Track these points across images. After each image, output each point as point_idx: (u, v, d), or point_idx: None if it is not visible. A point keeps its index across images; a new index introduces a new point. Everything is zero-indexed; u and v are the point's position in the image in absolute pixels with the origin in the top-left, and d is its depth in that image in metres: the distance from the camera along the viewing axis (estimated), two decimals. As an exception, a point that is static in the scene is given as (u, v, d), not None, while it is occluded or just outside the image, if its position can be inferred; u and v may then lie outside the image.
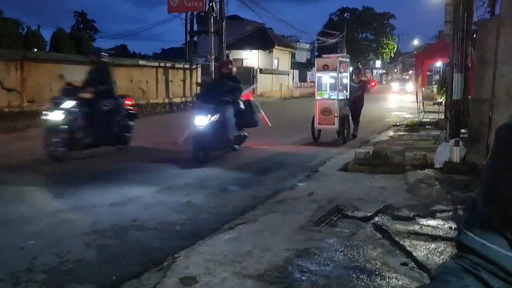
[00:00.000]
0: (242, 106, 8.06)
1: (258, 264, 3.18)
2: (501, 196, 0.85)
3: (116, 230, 4.15)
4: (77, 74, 14.62)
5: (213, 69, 21.47)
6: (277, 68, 36.88)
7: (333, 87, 10.06)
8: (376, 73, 72.20)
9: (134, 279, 3.06)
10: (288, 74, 37.15)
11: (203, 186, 5.88)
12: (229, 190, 5.72)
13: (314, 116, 9.84)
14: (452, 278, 0.85)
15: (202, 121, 7.23)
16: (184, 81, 21.15)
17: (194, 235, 3.95)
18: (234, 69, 8.52)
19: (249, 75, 29.92)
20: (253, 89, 10.08)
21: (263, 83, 30.66)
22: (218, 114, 7.39)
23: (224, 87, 7.85)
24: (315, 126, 9.89)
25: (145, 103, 17.37)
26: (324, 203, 4.72)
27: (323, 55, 11.94)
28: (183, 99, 20.40)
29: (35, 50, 18.93)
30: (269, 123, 8.96)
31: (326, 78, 10.29)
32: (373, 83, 47.05)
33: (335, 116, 9.65)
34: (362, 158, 6.89)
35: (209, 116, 7.26)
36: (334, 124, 9.74)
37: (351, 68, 12.03)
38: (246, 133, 8.53)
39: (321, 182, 5.82)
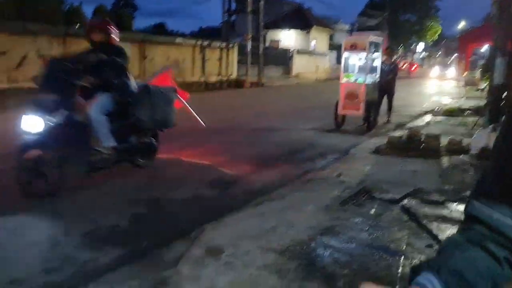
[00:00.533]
0: (128, 96, 4.83)
1: (282, 239, 3.25)
2: (510, 166, 0.86)
3: (148, 201, 4.33)
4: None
5: (249, 48, 21.49)
6: (315, 49, 36.40)
7: (362, 70, 9.24)
8: (418, 56, 70.02)
9: (163, 247, 3.18)
10: (326, 56, 36.63)
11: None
12: (259, 167, 5.80)
13: (338, 101, 9.18)
14: (457, 250, 0.87)
15: (34, 125, 4.21)
16: (220, 60, 21.25)
17: (222, 209, 4.06)
18: (115, 36, 4.93)
19: (285, 55, 29.73)
20: (170, 71, 6.16)
21: (299, 64, 30.41)
22: (67, 112, 4.34)
23: (90, 64, 4.58)
24: (338, 111, 9.20)
25: (180, 81, 17.62)
26: (352, 184, 4.72)
27: (353, 33, 11.13)
28: (219, 78, 20.55)
29: (77, 26, 19.40)
30: (202, 122, 5.85)
31: (354, 59, 9.40)
32: (414, 67, 45.70)
33: (361, 101, 8.90)
34: (395, 142, 6.80)
35: (48, 115, 4.24)
36: (359, 110, 8.98)
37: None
38: (151, 140, 5.33)
39: (351, 164, 5.80)
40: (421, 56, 71.82)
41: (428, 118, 11.37)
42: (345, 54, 9.40)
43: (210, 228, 3.48)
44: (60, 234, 3.46)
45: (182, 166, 5.78)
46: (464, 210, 0.98)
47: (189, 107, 5.69)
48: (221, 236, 3.32)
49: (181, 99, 5.59)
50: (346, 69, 9.45)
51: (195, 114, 5.76)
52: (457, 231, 0.95)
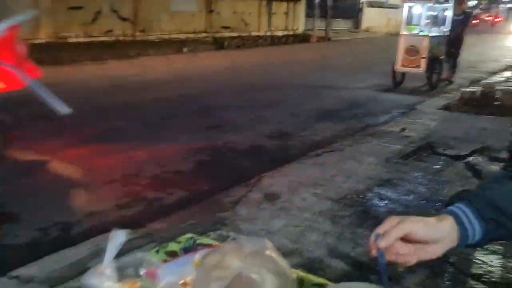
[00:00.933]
0: None
1: (339, 188, 3.29)
2: None
3: (212, 149, 4.52)
4: (183, 4, 15.18)
5: (317, 1, 20.82)
6: (387, 1, 34.47)
7: (428, 21, 8.21)
8: (504, 8, 64.00)
9: (223, 191, 3.35)
10: (398, 8, 34.60)
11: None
12: (321, 121, 5.79)
13: (396, 56, 8.22)
14: (496, 184, 0.88)
15: None
16: (287, 14, 20.85)
17: (282, 159, 4.15)
18: None
19: (355, 8, 28.51)
20: (17, 30, 3.33)
21: (370, 17, 29.06)
22: None
23: None
24: (396, 68, 8.29)
25: (246, 36, 17.57)
26: (416, 139, 4.60)
27: None
28: (285, 33, 20.23)
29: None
30: (61, 109, 3.33)
31: (420, 10, 8.31)
32: (498, 20, 42.06)
33: (423, 57, 7.92)
34: (467, 98, 6.46)
35: None
36: (419, 67, 7.99)
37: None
38: None
39: (416, 120, 5.61)
40: (507, 7, 65.55)
41: (507, 74, 10.57)
42: (408, 3, 8.44)
43: (269, 176, 3.60)
44: (131, 175, 3.74)
45: (243, 118, 5.91)
46: (508, 148, 0.97)
47: (40, 90, 3.41)
48: (279, 183, 3.43)
49: (23, 76, 3.46)
50: (409, 21, 8.48)
51: (47, 100, 3.42)
52: (500, 169, 0.95)
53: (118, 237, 0.85)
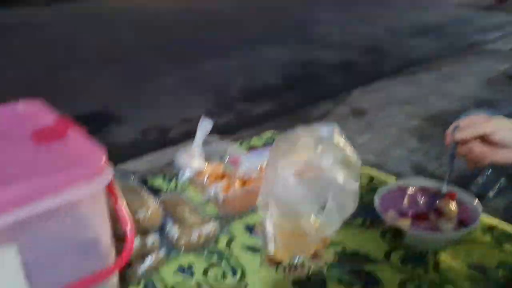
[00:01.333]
0: None
1: (431, 107, 3.16)
2: None
3: (300, 64, 4.49)
4: None
5: None
6: None
7: None
8: None
9: (311, 105, 3.37)
10: None
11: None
12: (419, 37, 5.40)
13: None
14: None
15: None
16: None
17: (374, 75, 4.01)
18: None
19: None
20: None
21: None
22: None
23: None
24: None
25: None
26: (526, 59, 4.16)
27: None
28: None
29: None
30: None
31: None
32: None
33: None
34: None
35: None
36: None
37: None
38: None
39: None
40: None
41: None
42: None
43: (358, 92, 3.53)
44: (221, 86, 3.89)
45: (336, 32, 5.70)
46: None
47: None
48: (368, 99, 3.37)
49: None
50: None
51: None
52: None
53: (206, 124, 0.93)
